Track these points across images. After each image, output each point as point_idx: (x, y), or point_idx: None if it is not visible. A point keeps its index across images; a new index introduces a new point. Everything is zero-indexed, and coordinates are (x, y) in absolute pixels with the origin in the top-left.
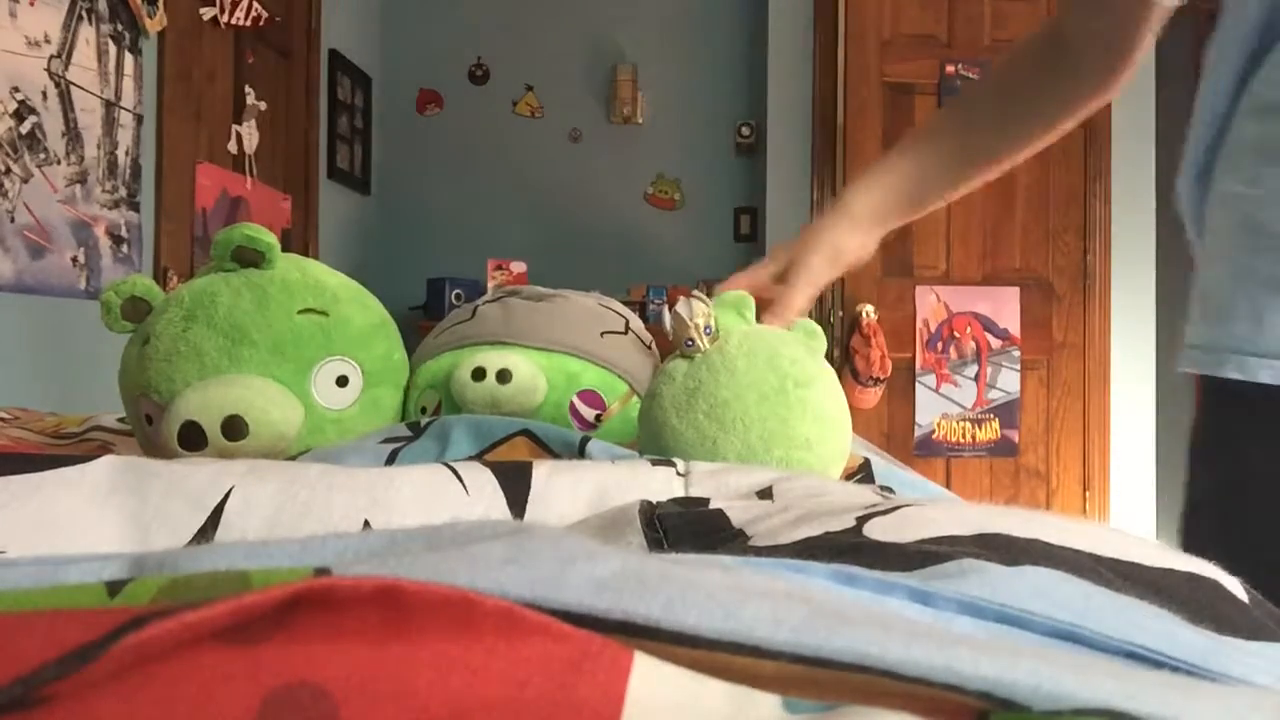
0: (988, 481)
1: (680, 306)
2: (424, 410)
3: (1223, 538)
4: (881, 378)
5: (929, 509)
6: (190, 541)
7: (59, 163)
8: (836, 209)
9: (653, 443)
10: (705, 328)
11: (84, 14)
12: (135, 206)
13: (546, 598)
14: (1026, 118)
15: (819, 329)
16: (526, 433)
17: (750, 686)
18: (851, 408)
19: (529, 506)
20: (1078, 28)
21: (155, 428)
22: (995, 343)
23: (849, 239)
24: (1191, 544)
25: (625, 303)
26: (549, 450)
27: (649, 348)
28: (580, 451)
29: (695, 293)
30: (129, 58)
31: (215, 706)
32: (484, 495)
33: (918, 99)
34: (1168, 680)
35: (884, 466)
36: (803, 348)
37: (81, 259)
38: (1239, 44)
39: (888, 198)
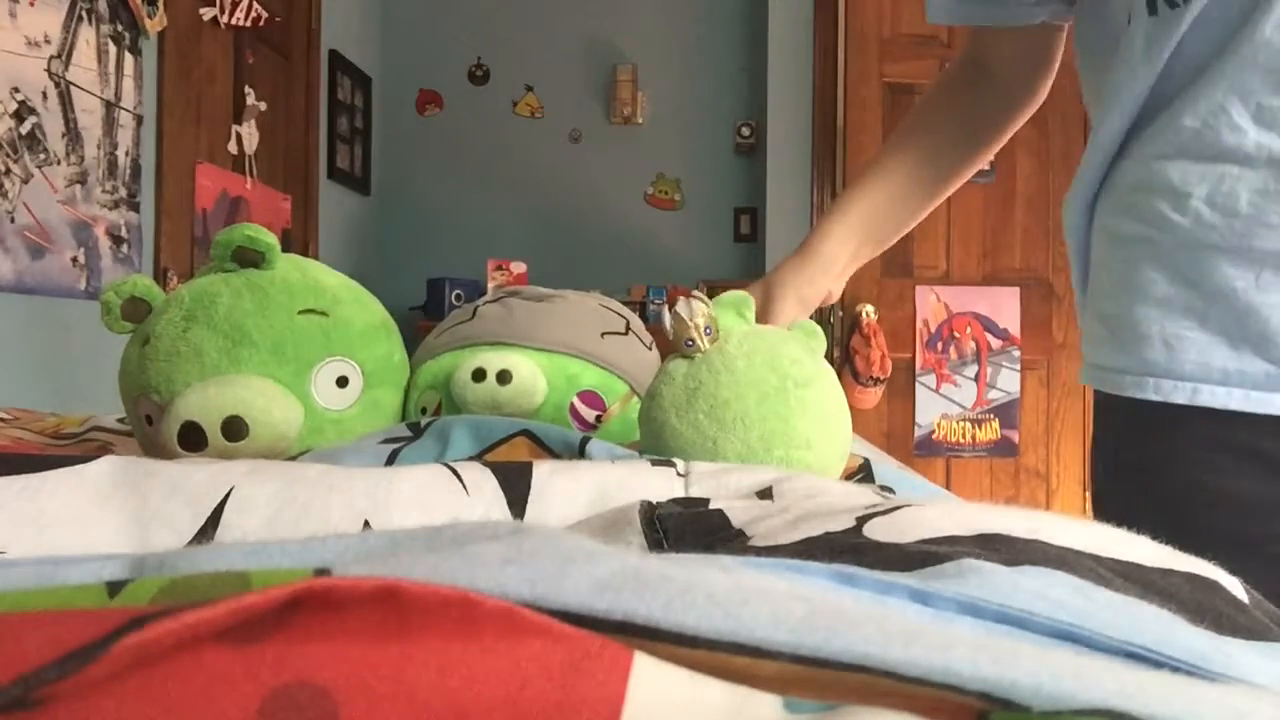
0: (988, 481)
1: (680, 307)
2: (424, 410)
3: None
4: (881, 378)
5: (929, 509)
6: (190, 541)
7: (59, 163)
8: (808, 255)
9: (653, 442)
10: (705, 328)
11: (84, 14)
12: (135, 207)
13: (546, 598)
14: (962, 145)
15: (819, 329)
16: (527, 433)
17: (750, 687)
18: (851, 408)
19: (529, 506)
20: (994, 52)
21: (155, 428)
22: (995, 343)
23: (813, 287)
24: None
25: (625, 303)
26: (549, 451)
27: (649, 348)
28: (580, 452)
29: (695, 293)
30: (129, 58)
31: (215, 706)
32: (484, 495)
33: (918, 99)
34: (1168, 680)
35: (883, 467)
36: (803, 348)
37: (81, 259)
38: (1132, 95)
39: (854, 238)
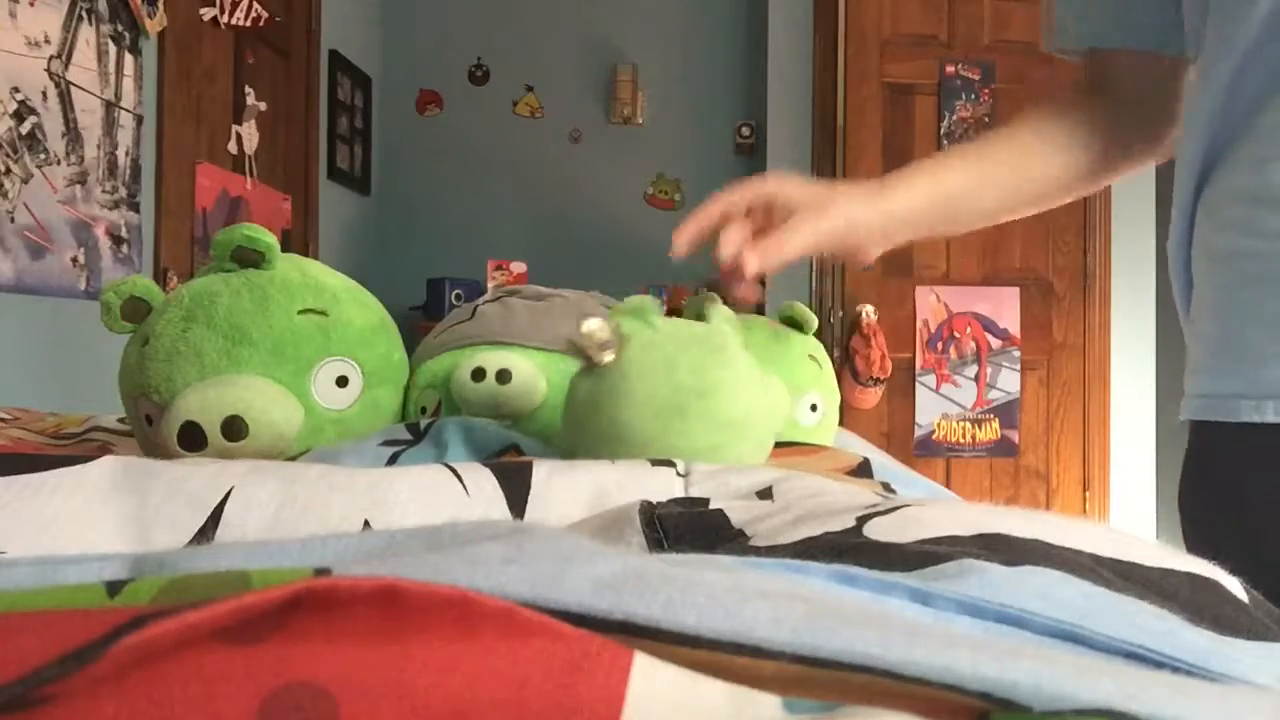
0: (988, 481)
1: (583, 325)
2: (424, 410)
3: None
4: (881, 378)
5: (929, 509)
6: (190, 541)
7: (59, 163)
8: (873, 197)
9: (569, 457)
10: (604, 343)
11: (84, 14)
12: (135, 206)
13: (546, 598)
14: (1067, 154)
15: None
16: (515, 449)
17: (750, 686)
18: (852, 408)
19: (529, 506)
20: (1117, 80)
21: (155, 428)
22: (995, 343)
23: (870, 227)
24: None
25: None
26: None
27: None
28: None
29: (597, 297)
30: (129, 58)
31: (215, 706)
32: (484, 495)
33: (918, 99)
34: (1168, 680)
35: (883, 466)
36: (708, 347)
37: (81, 259)
38: (1225, 69)
39: (926, 207)
